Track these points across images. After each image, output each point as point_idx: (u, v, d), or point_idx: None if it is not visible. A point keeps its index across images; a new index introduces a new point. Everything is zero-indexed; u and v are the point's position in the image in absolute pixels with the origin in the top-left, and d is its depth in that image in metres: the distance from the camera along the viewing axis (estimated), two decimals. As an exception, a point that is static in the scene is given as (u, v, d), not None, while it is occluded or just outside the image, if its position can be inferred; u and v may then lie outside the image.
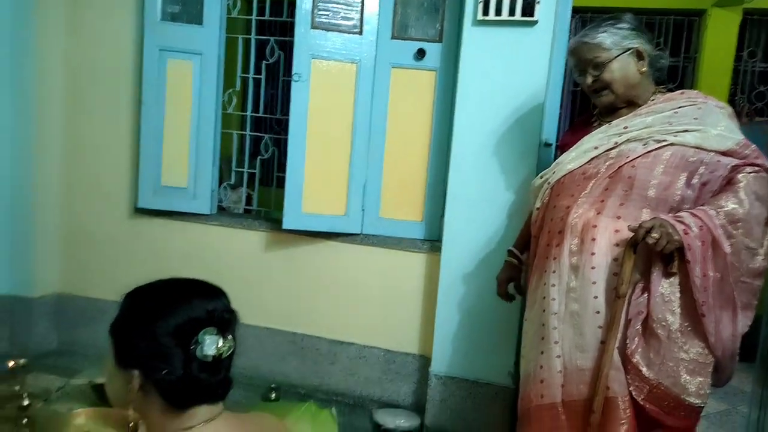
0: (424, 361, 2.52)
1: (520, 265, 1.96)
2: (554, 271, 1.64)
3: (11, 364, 2.24)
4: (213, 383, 0.93)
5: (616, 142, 1.67)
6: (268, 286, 2.72)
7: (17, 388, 2.22)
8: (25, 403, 2.18)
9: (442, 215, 2.45)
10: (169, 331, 0.90)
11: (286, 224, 2.49)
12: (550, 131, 2.36)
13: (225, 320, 0.94)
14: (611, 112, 1.76)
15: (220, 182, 2.85)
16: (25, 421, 2.15)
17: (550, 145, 2.36)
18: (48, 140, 2.85)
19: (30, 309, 2.85)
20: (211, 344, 0.90)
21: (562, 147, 1.92)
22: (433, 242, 2.54)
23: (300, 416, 2.35)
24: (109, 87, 2.84)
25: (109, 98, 2.85)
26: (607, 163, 1.66)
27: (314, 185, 2.52)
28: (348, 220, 2.54)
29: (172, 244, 2.81)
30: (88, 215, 2.93)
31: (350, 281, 2.63)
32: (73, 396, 2.46)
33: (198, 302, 0.94)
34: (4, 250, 2.82)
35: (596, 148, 1.70)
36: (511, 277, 1.98)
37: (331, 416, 2.34)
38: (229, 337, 0.94)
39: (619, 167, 1.64)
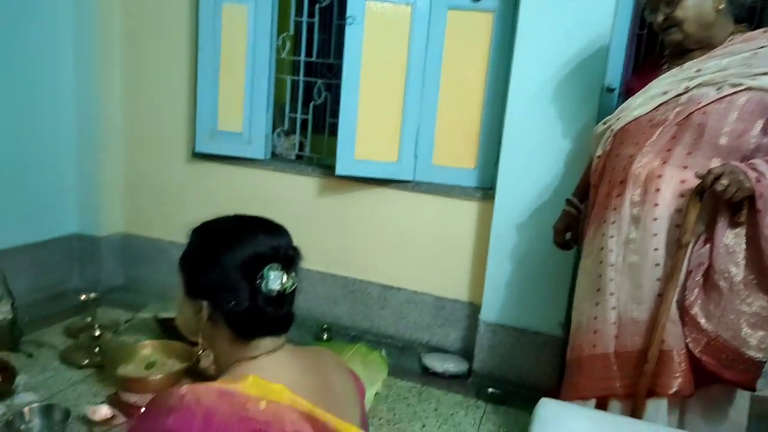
0: (474, 308, 2.54)
1: (578, 214, 1.92)
2: (613, 222, 1.60)
3: (83, 297, 2.40)
4: (277, 317, 0.96)
5: (687, 87, 1.57)
6: (320, 231, 2.77)
7: (89, 319, 2.38)
8: (97, 333, 2.35)
9: (496, 163, 2.40)
10: (235, 264, 0.93)
11: (339, 170, 2.50)
12: (613, 76, 2.25)
13: (289, 257, 0.97)
14: (683, 53, 1.65)
15: (274, 128, 2.87)
16: (96, 349, 2.32)
17: (612, 90, 2.25)
18: (109, 87, 2.92)
19: (98, 247, 3.01)
20: (276, 279, 0.93)
21: (628, 92, 1.83)
22: (485, 190, 2.50)
23: (351, 356, 2.43)
24: (167, 33, 2.87)
25: (166, 44, 2.88)
26: (676, 110, 1.58)
27: (367, 131, 2.51)
28: (400, 166, 2.53)
29: (228, 189, 2.88)
30: (148, 159, 3.02)
31: (402, 228, 2.64)
32: (139, 328, 2.63)
33: (263, 238, 0.97)
34: (74, 192, 2.97)
35: (665, 93, 1.61)
36: (569, 227, 1.94)
37: (381, 357, 2.42)
38: (293, 273, 0.96)
39: (688, 114, 1.55)
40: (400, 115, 2.49)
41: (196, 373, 2.21)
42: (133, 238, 3.12)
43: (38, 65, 2.68)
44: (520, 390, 2.35)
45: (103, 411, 1.87)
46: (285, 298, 0.96)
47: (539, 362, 2.35)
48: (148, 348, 2.29)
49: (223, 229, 1.00)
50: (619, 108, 1.75)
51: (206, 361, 2.22)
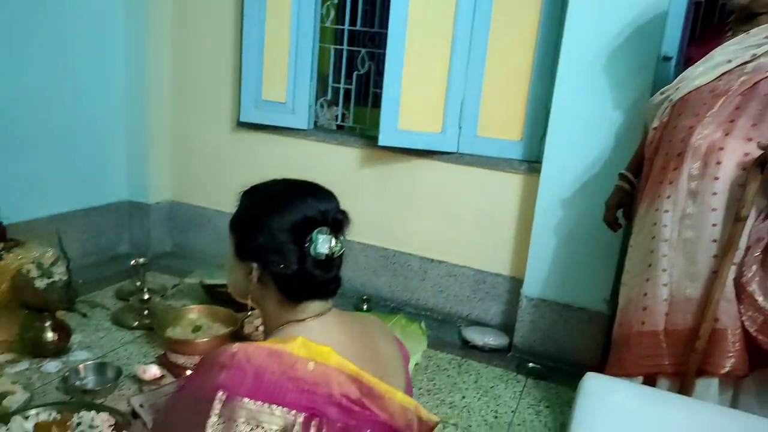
0: (515, 282, 2.51)
1: (632, 190, 1.85)
2: (669, 197, 1.54)
3: (133, 262, 2.48)
4: (325, 280, 0.97)
5: (754, 54, 1.48)
6: (362, 202, 2.77)
7: (138, 283, 2.46)
8: (146, 297, 2.43)
9: (543, 135, 2.34)
10: (285, 227, 0.94)
11: (382, 141, 2.48)
12: (670, 44, 2.15)
13: (337, 221, 0.97)
14: (749, 18, 1.55)
15: (317, 98, 2.86)
16: (146, 312, 2.40)
17: (669, 59, 2.15)
18: (157, 57, 2.96)
19: (147, 214, 3.09)
20: (324, 243, 0.94)
21: (687, 61, 1.75)
22: (531, 163, 2.45)
23: (391, 327, 2.44)
24: (214, 2, 2.87)
25: (213, 14, 2.89)
26: (741, 79, 1.49)
27: (411, 101, 2.47)
28: (444, 137, 2.49)
29: (271, 158, 2.90)
30: (195, 129, 3.07)
31: (444, 200, 2.62)
32: (186, 293, 2.70)
33: (312, 202, 0.97)
34: (123, 160, 3.05)
35: (729, 61, 1.53)
36: (621, 203, 1.88)
37: (421, 329, 2.42)
38: (341, 237, 0.97)
39: (755, 83, 1.47)
40: (444, 85, 2.45)
41: (240, 338, 2.27)
42: (180, 205, 3.19)
43: (88, 35, 2.74)
44: (561, 366, 2.33)
45: (153, 370, 1.94)
46: (333, 262, 0.97)
47: (582, 338, 2.31)
48: (194, 312, 2.37)
49: (272, 193, 1.01)
50: (678, 77, 1.67)
51: (250, 327, 2.28)
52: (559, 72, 2.20)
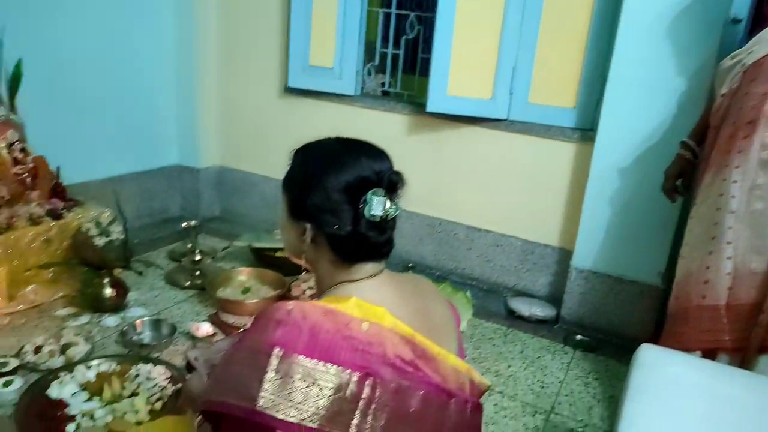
0: (564, 253, 2.46)
1: (694, 159, 1.77)
2: (737, 166, 1.47)
3: (184, 225, 2.54)
4: (378, 242, 0.95)
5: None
6: (408, 169, 2.70)
7: (190, 245, 2.53)
8: (197, 258, 2.49)
9: (599, 102, 2.25)
10: (339, 187, 0.92)
11: (430, 107, 2.44)
12: (740, 5, 2.02)
13: (392, 182, 0.95)
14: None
15: (365, 63, 2.83)
16: (197, 273, 2.47)
17: (739, 21, 2.02)
18: (205, 22, 2.98)
19: (197, 179, 3.16)
20: (379, 205, 0.91)
21: (760, 23, 1.64)
22: (584, 131, 2.37)
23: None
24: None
25: (260, -24, 2.88)
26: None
27: (461, 66, 2.41)
28: (494, 104, 2.43)
29: (318, 124, 2.90)
30: (243, 95, 3.09)
31: (492, 169, 2.57)
32: (235, 256, 2.76)
33: (366, 161, 0.95)
34: (174, 124, 3.10)
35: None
36: (682, 173, 1.80)
37: (466, 298, 2.41)
38: (396, 199, 0.95)
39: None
40: (496, 49, 2.37)
41: (287, 300, 2.31)
42: (228, 171, 3.24)
43: (140, 2, 2.77)
44: (611, 339, 2.28)
45: (206, 328, 2.00)
46: (387, 223, 0.95)
47: (633, 312, 2.26)
48: (243, 274, 2.42)
49: (326, 151, 0.99)
50: (752, 40, 1.57)
51: (297, 290, 2.32)
52: (619, 36, 2.11)
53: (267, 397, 0.80)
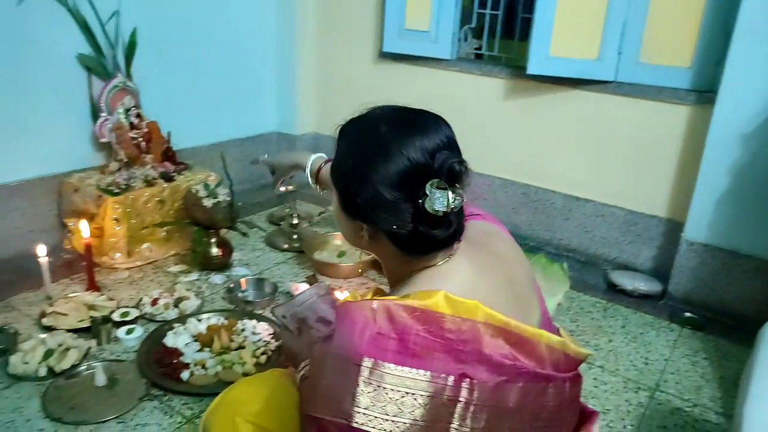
0: (673, 225, 2.31)
1: None
2: None
3: (283, 189, 2.62)
4: (444, 237, 0.85)
5: None
6: (505, 135, 2.67)
7: (288, 210, 2.61)
8: (295, 221, 2.57)
9: (719, 61, 2.06)
10: (391, 181, 0.81)
11: (531, 68, 2.33)
12: None
13: (453, 173, 0.82)
14: None
15: (461, 26, 2.74)
16: (295, 236, 2.55)
17: None
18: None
19: (293, 145, 3.24)
20: (441, 199, 0.80)
21: None
22: (701, 93, 2.18)
23: (531, 265, 2.36)
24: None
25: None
26: None
27: (565, 24, 2.27)
28: (601, 65, 2.29)
29: (413, 89, 2.87)
30: (338, 61, 3.11)
31: (595, 134, 2.44)
32: (329, 221, 2.82)
33: (420, 141, 0.82)
34: (274, 92, 3.19)
35: None
36: None
37: (563, 270, 2.32)
38: (458, 190, 0.82)
39: None
40: (605, 3, 2.21)
41: (381, 265, 2.34)
42: (323, 137, 3.30)
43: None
44: (721, 317, 2.13)
45: (304, 288, 2.07)
46: (452, 216, 0.83)
47: (748, 289, 2.09)
48: (339, 239, 2.47)
49: (371, 134, 0.87)
50: None
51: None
52: (749, -17, 1.90)
53: (362, 412, 0.76)
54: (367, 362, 0.77)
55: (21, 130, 2.14)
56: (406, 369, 0.76)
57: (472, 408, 0.77)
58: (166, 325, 1.81)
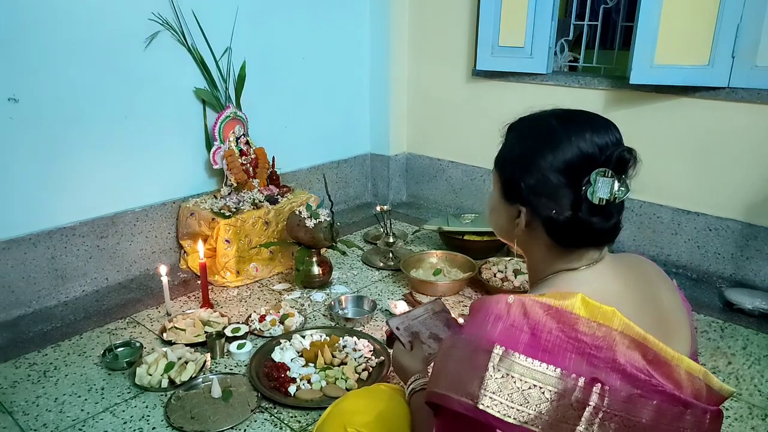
0: (800, 240, 2.12)
1: None
2: None
3: (378, 208, 2.68)
4: (604, 228, 0.85)
5: None
6: (604, 148, 2.57)
7: (383, 229, 2.66)
8: (391, 240, 2.61)
9: None
10: (558, 167, 0.84)
11: (634, 78, 2.24)
12: None
13: (622, 160, 0.84)
14: None
15: (557, 39, 2.70)
16: (390, 255, 2.59)
17: None
18: (399, 15, 3.09)
19: (387, 166, 3.31)
20: (605, 186, 0.81)
21: None
22: (831, 95, 2.00)
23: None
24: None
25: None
26: None
27: (671, 30, 2.17)
28: (711, 71, 2.15)
29: (507, 106, 2.80)
30: (431, 81, 3.15)
31: (706, 144, 2.29)
32: (423, 240, 2.85)
33: (590, 136, 0.84)
34: (367, 115, 3.29)
35: None
36: None
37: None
38: (625, 179, 0.84)
39: None
40: (716, 6, 2.09)
41: (477, 283, 2.33)
42: (415, 157, 3.35)
43: (340, 6, 2.97)
44: None
45: (403, 306, 2.10)
46: (614, 207, 0.84)
47: None
48: (434, 257, 2.49)
49: (543, 126, 0.90)
50: None
51: (488, 273, 2.32)
52: None
53: (489, 396, 0.77)
54: (497, 350, 0.78)
55: (146, 160, 2.35)
56: (537, 362, 0.77)
57: (600, 414, 0.75)
58: (273, 341, 1.89)
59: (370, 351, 1.85)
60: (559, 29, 2.67)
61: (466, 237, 2.59)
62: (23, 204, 2.05)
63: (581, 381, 0.75)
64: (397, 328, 1.37)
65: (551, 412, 0.76)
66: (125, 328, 2.04)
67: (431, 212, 3.23)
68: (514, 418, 0.76)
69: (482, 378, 0.77)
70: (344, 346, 1.86)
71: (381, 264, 2.55)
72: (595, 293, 0.82)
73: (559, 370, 0.76)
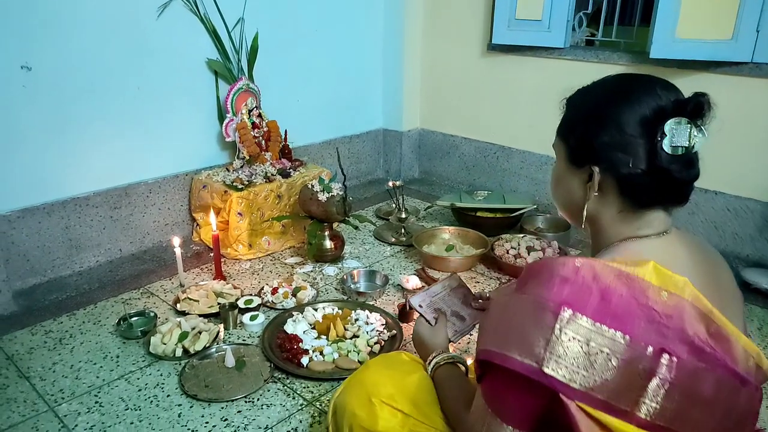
0: (821, 220, 2.08)
1: None
2: None
3: (390, 184, 2.66)
4: (683, 178, 0.83)
5: None
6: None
7: (395, 205, 2.65)
8: (403, 216, 2.60)
9: None
10: (634, 119, 0.83)
11: (655, 52, 2.19)
12: None
13: (699, 104, 0.81)
14: None
15: (576, 12, 2.63)
16: (402, 230, 2.58)
17: None
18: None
19: (399, 142, 3.28)
20: (683, 133, 0.80)
21: None
22: None
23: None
24: None
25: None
26: None
27: (694, 3, 2.11)
28: (735, 45, 2.10)
29: (523, 81, 2.80)
30: (445, 55, 3.10)
31: (728, 121, 2.18)
32: (436, 216, 2.83)
33: (662, 92, 0.83)
34: (380, 90, 3.25)
35: None
36: None
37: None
38: (702, 126, 0.82)
39: None
40: (741, -21, 2.04)
41: (489, 259, 2.32)
42: (429, 133, 3.31)
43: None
44: None
45: (415, 281, 2.09)
46: (693, 155, 0.83)
47: None
48: (446, 233, 2.48)
49: (613, 86, 0.89)
50: None
51: (500, 250, 2.30)
52: None
53: (554, 360, 0.75)
54: (565, 312, 0.76)
55: (159, 131, 2.34)
56: (605, 328, 0.76)
57: (667, 386, 0.75)
58: (286, 313, 1.90)
59: (382, 324, 1.85)
60: (577, 2, 2.61)
61: (478, 213, 2.57)
62: (36, 173, 2.05)
63: (650, 350, 0.75)
64: (420, 306, 1.37)
65: (617, 379, 0.75)
66: (139, 299, 2.05)
67: (444, 189, 3.21)
68: (580, 384, 0.75)
69: (548, 340, 0.76)
70: (356, 320, 1.86)
71: (393, 239, 2.54)
72: (665, 263, 0.81)
73: (627, 337, 0.75)
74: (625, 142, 0.84)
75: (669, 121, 0.81)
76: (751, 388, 0.81)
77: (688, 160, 0.82)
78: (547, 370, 0.75)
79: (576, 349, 0.75)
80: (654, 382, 0.74)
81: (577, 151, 0.91)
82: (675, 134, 0.80)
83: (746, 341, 0.82)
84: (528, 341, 0.78)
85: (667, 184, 0.84)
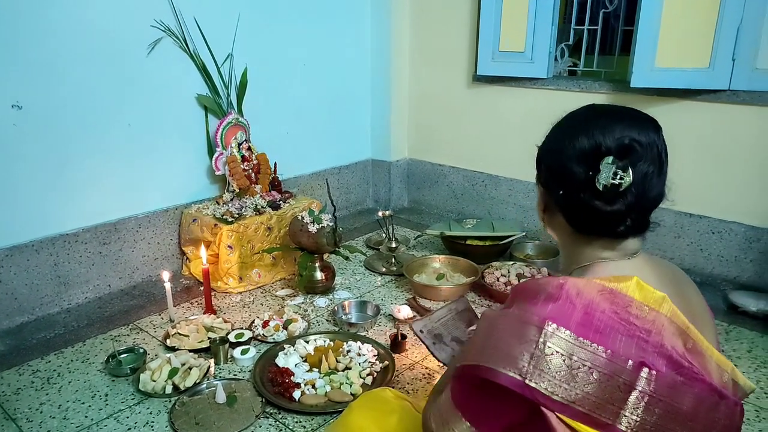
0: (804, 242, 2.11)
1: None
2: None
3: (380, 214, 2.68)
4: (605, 212, 0.87)
5: None
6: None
7: (385, 234, 2.66)
8: (393, 245, 2.61)
9: None
10: (572, 153, 0.88)
11: (635, 81, 2.25)
12: None
13: (624, 148, 0.85)
14: None
15: (558, 44, 2.71)
16: (393, 260, 2.59)
17: None
18: (400, 23, 3.10)
19: (388, 172, 3.31)
20: (606, 172, 0.84)
21: None
22: (832, 97, 2.00)
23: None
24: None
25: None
26: None
27: (671, 32, 2.18)
28: (712, 73, 2.16)
29: (508, 111, 2.85)
30: (431, 86, 3.16)
31: (708, 147, 2.29)
32: (426, 245, 2.85)
33: (618, 128, 0.86)
34: (368, 121, 3.29)
35: None
36: None
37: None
38: (630, 169, 0.84)
39: None
40: (716, 8, 2.10)
41: (480, 287, 2.32)
42: (417, 162, 3.35)
43: (343, 14, 2.98)
44: None
45: (406, 311, 2.09)
46: (616, 194, 0.85)
47: None
48: (437, 261, 2.49)
49: (575, 118, 0.95)
50: None
51: (491, 277, 2.31)
52: None
53: (537, 373, 0.77)
54: (549, 326, 0.78)
55: (149, 167, 2.35)
56: (587, 342, 0.78)
57: (646, 399, 0.77)
58: (277, 346, 1.89)
59: (375, 356, 1.84)
60: (559, 34, 2.68)
61: (468, 242, 2.59)
62: (26, 211, 2.05)
63: (630, 364, 0.77)
64: (421, 331, 1.40)
65: (598, 392, 0.77)
66: (128, 335, 2.03)
67: (433, 218, 3.23)
68: (561, 396, 0.77)
69: (532, 353, 0.78)
70: (348, 351, 1.85)
71: (384, 269, 2.55)
72: (645, 279, 0.85)
73: (609, 351, 0.77)
74: (563, 172, 0.90)
75: (603, 161, 0.85)
76: (729, 402, 0.83)
77: (612, 198, 0.85)
78: (529, 383, 0.77)
79: (558, 363, 0.77)
80: (634, 395, 0.77)
81: (537, 171, 0.98)
82: (602, 173, 0.84)
83: (719, 356, 0.84)
84: (513, 355, 0.80)
85: (594, 215, 0.88)
